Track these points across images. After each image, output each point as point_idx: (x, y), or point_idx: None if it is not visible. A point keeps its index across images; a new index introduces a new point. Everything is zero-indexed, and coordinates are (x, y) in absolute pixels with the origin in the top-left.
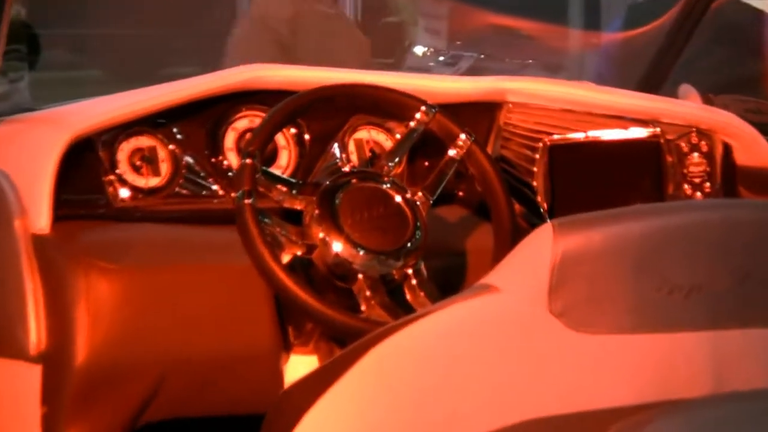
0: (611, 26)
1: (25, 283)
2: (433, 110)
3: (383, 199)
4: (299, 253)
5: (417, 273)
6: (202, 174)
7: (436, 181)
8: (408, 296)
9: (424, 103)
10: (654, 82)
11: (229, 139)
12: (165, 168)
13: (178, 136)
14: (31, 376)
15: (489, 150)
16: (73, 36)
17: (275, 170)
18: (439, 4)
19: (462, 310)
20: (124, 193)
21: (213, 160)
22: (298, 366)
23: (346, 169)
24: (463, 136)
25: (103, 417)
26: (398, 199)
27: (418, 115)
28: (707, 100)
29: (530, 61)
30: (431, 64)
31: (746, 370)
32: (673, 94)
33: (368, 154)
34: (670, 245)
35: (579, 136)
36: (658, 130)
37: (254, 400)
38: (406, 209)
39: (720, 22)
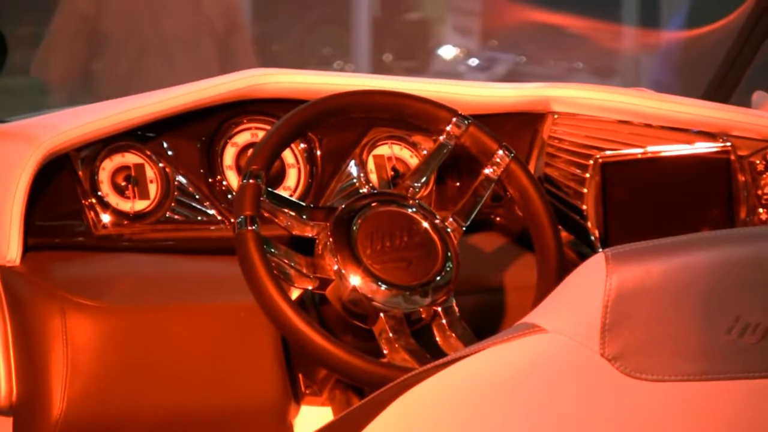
0: (672, 24)
1: None
2: (466, 122)
3: (408, 226)
4: (310, 287)
5: (447, 311)
6: (196, 196)
7: (469, 205)
8: (437, 338)
9: (455, 113)
10: (723, 89)
11: (228, 156)
12: (154, 189)
13: (169, 153)
14: (1, 429)
15: (531, 168)
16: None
17: (282, 192)
18: None
19: (500, 353)
20: (107, 218)
21: (210, 180)
22: (310, 419)
23: (365, 190)
24: (500, 152)
25: None
26: (425, 225)
27: (448, 128)
28: None
29: (578, 64)
30: (462, 68)
31: None
32: (745, 102)
33: (390, 173)
34: (743, 279)
35: (636, 151)
36: (728, 144)
37: None
38: (435, 237)
39: None
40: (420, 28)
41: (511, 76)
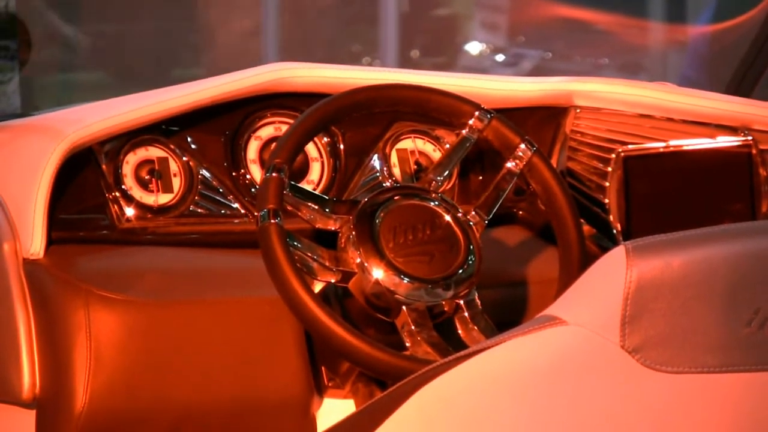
0: (700, 19)
1: (17, 316)
2: (489, 116)
3: (431, 219)
4: (333, 280)
5: (469, 304)
6: (220, 190)
7: (491, 199)
8: (459, 331)
9: (478, 107)
10: (745, 83)
11: (252, 150)
12: (177, 183)
13: (193, 146)
14: (24, 423)
15: (553, 162)
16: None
17: (305, 186)
18: None
19: (522, 346)
20: (130, 211)
21: (233, 173)
22: (333, 411)
23: (388, 184)
24: (523, 145)
25: None
26: (448, 218)
27: (471, 122)
28: None
29: (604, 60)
30: (488, 63)
31: None
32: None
33: (413, 166)
34: (763, 272)
35: (658, 145)
36: (750, 138)
37: None
38: (457, 231)
39: None
40: (449, 25)
41: (538, 72)
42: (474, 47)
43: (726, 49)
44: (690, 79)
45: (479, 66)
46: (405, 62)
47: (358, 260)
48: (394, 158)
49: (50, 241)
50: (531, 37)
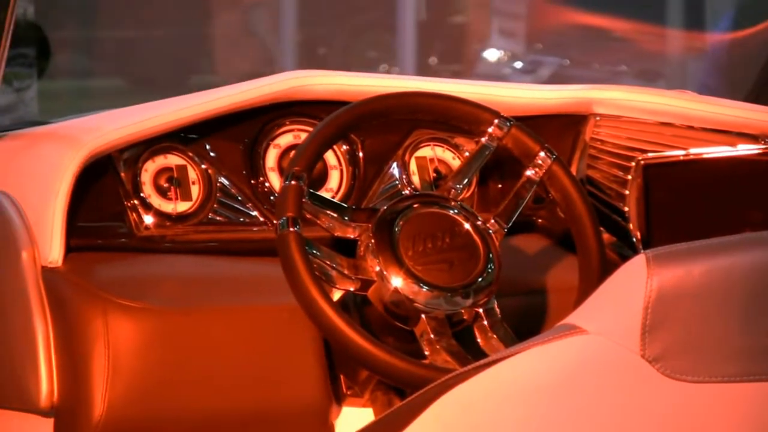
0: (719, 26)
1: (35, 324)
2: (508, 124)
3: (450, 227)
4: (352, 289)
5: (489, 313)
6: (239, 198)
7: (511, 207)
8: (478, 339)
9: (497, 115)
10: (766, 90)
11: (271, 158)
12: (196, 191)
13: (212, 154)
14: (42, 431)
15: (573, 170)
16: (88, 39)
17: (324, 194)
18: (515, 1)
19: (542, 354)
20: (149, 219)
21: (252, 181)
22: (351, 420)
23: (407, 192)
24: (542, 153)
25: None
26: (467, 226)
27: (490, 130)
28: None
29: (622, 67)
30: (506, 71)
31: None
32: None
33: (432, 174)
34: None
35: (678, 153)
36: None
37: None
38: (477, 239)
39: None
40: (465, 32)
41: (555, 79)
42: (492, 54)
43: (745, 57)
44: (709, 87)
45: (497, 73)
46: (422, 69)
47: (377, 268)
48: (413, 166)
49: (69, 249)
50: (549, 44)
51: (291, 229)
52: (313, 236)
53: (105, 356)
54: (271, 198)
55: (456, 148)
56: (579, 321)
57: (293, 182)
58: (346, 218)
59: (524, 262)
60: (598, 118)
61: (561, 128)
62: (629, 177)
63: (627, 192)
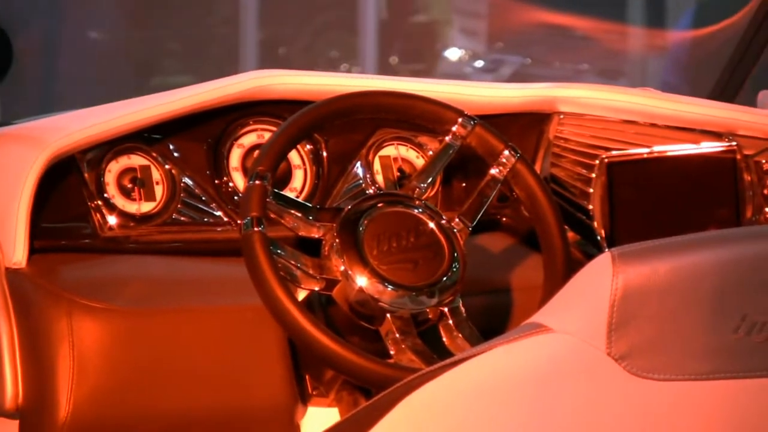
0: (679, 24)
1: None
2: (472, 122)
3: (414, 226)
4: (317, 288)
5: (454, 312)
6: (203, 198)
7: (475, 205)
8: (444, 339)
9: (461, 114)
10: (729, 88)
11: (235, 158)
12: (160, 191)
13: (175, 154)
14: None
15: (537, 168)
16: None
17: (289, 193)
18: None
19: (507, 353)
20: (113, 220)
21: (216, 181)
22: (317, 420)
23: (371, 191)
24: (507, 152)
25: None
26: (432, 225)
27: (454, 128)
28: None
29: (584, 66)
30: (467, 69)
31: None
32: (751, 102)
33: (396, 173)
34: (749, 278)
35: (642, 151)
36: (734, 144)
37: None
38: (441, 238)
39: None
40: (427, 31)
41: (517, 78)
42: (453, 53)
43: (706, 55)
44: (670, 85)
45: (458, 72)
46: (384, 69)
47: (342, 268)
48: (377, 165)
49: (32, 250)
50: (510, 42)
51: (255, 228)
52: (277, 236)
53: (70, 357)
54: (235, 198)
55: (420, 147)
56: (544, 319)
57: (257, 182)
58: (311, 218)
59: (489, 261)
60: (562, 117)
61: (525, 127)
62: (593, 175)
63: (591, 190)
